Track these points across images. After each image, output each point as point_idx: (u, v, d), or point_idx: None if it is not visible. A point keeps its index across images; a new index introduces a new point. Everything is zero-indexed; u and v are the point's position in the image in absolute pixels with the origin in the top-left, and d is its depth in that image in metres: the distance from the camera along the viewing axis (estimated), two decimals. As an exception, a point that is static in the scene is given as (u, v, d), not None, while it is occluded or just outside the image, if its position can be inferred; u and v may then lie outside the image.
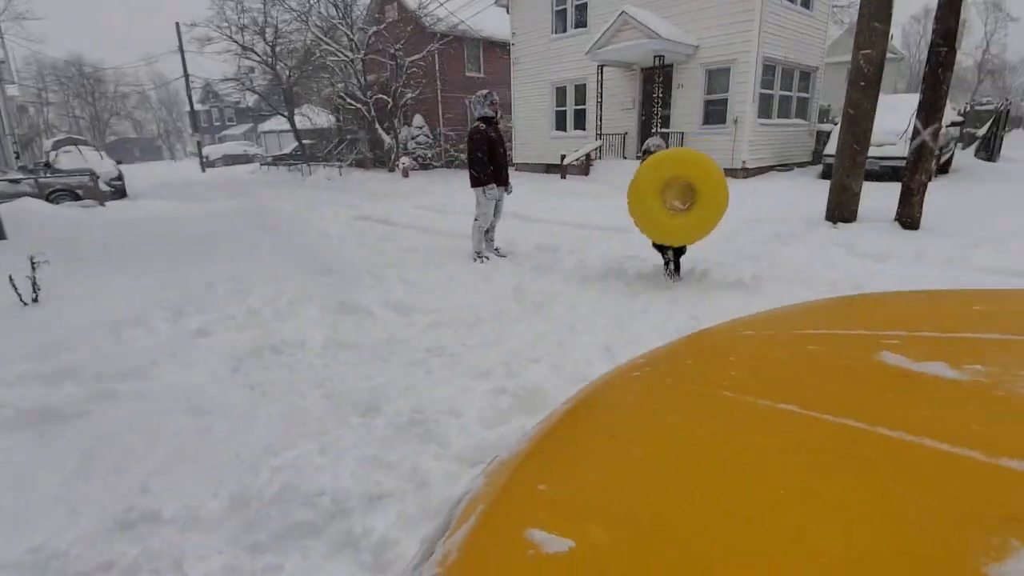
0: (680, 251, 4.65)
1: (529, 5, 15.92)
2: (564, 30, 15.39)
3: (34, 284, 4.11)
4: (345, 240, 7.10)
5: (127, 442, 2.47)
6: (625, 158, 14.18)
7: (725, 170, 12.43)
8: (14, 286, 4.05)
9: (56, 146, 19.81)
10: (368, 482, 1.96)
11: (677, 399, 0.98)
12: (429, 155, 19.95)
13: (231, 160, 31.92)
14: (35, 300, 4.12)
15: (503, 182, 5.72)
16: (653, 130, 12.35)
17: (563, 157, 13.99)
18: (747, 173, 12.29)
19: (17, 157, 20.73)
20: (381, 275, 4.95)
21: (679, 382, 1.07)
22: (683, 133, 13.13)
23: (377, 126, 19.30)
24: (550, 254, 5.76)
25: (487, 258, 5.68)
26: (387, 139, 19.31)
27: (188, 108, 32.25)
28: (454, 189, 12.58)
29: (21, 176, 12.16)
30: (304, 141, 23.21)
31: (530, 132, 16.81)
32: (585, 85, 15.05)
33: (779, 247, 5.72)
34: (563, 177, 13.82)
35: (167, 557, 1.73)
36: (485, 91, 5.61)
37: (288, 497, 1.91)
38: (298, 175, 20.06)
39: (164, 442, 2.44)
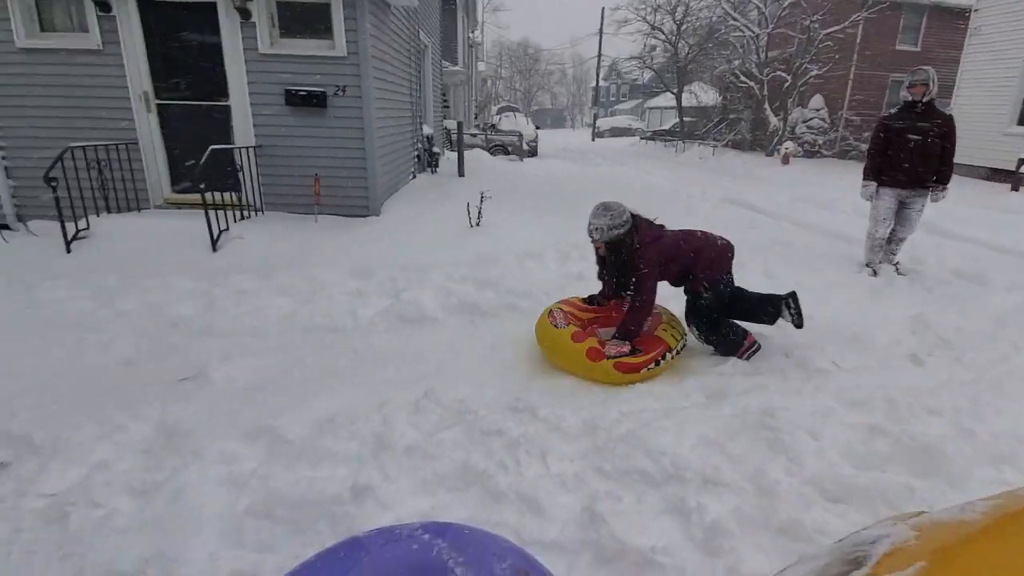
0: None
1: (1028, -48, 11.57)
2: (1083, -19, 10.69)
3: (479, 212, 5.44)
4: (710, 221, 6.93)
5: (519, 346, 3.09)
6: None
7: None
8: (468, 213, 5.45)
9: (500, 111, 25.32)
10: (706, 464, 1.94)
11: None
12: (820, 142, 17.35)
13: (616, 132, 34.76)
14: (478, 224, 5.46)
15: (899, 184, 4.47)
16: None
17: (1021, 162, 10.12)
18: None
19: (476, 117, 27.34)
20: (744, 263, 4.66)
21: None
22: None
23: (766, 105, 17.75)
24: (974, 285, 4.35)
25: (876, 272, 4.67)
26: (774, 120, 17.61)
27: (593, 84, 36.29)
28: (845, 184, 10.66)
29: (477, 132, 16.04)
30: (685, 118, 23.32)
31: (971, 125, 12.66)
32: (1101, 61, 10.29)
33: None
34: (1015, 189, 10.07)
35: (537, 446, 2.12)
36: (919, 67, 4.40)
37: (633, 442, 2.06)
38: (672, 151, 20.43)
39: (543, 355, 2.94)
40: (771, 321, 2.99)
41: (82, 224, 4.90)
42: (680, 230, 2.98)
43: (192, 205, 5.59)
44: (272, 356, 3.12)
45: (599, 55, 33.19)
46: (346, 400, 2.64)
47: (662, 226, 2.96)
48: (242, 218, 5.43)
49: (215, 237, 4.79)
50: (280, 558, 1.74)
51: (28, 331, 3.44)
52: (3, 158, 5.55)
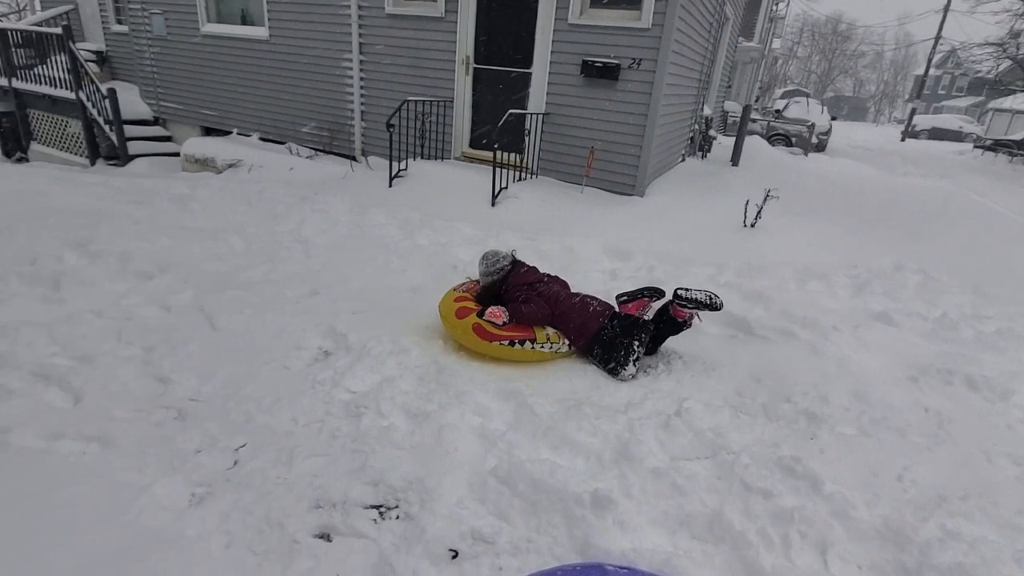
0: None
1: None
2: None
3: (759, 212, 4.72)
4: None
5: (794, 385, 2.53)
6: None
7: None
8: (745, 210, 4.78)
9: (786, 95, 22.03)
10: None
11: None
12: None
13: (938, 134, 27.22)
14: (752, 225, 4.77)
15: None
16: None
17: None
18: None
19: (756, 100, 24.40)
20: None
21: None
22: None
23: None
24: None
25: None
26: None
27: (920, 72, 28.79)
28: None
29: (758, 117, 14.23)
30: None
31: None
32: None
33: None
34: None
35: (816, 531, 1.68)
36: None
37: (968, 585, 1.47)
38: (1014, 168, 15.07)
39: (831, 410, 2.35)
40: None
41: (403, 165, 5.80)
42: (559, 288, 2.99)
43: (482, 161, 6.15)
44: (528, 319, 3.19)
45: (937, 37, 25.97)
46: (584, 386, 2.54)
47: (544, 281, 3.03)
48: (519, 179, 5.75)
49: (495, 193, 5.17)
50: (515, 534, 1.72)
51: (355, 247, 4.22)
52: (362, 104, 6.89)
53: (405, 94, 6.06)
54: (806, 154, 12.26)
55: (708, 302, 2.69)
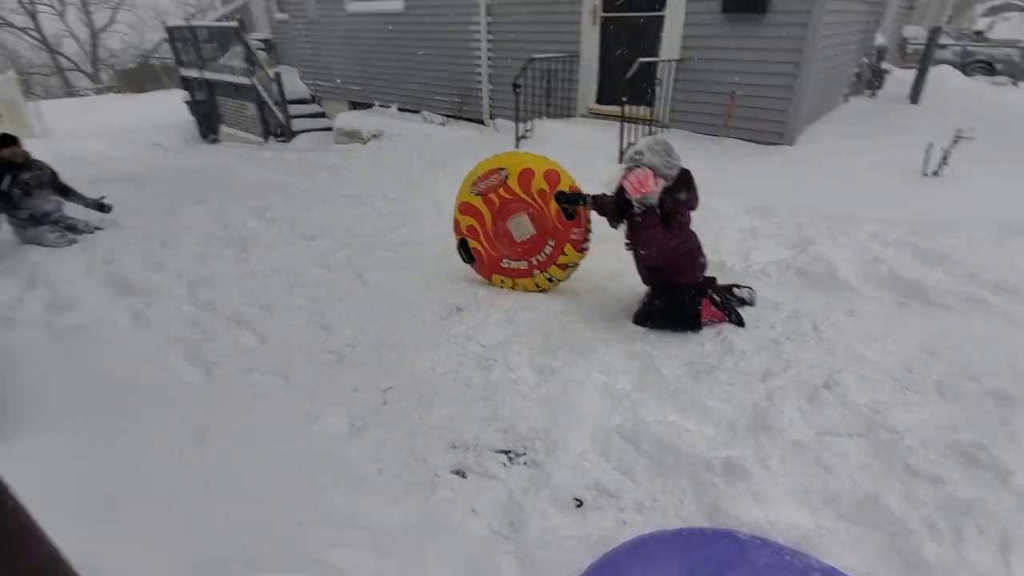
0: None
1: None
2: None
3: (945, 157, 3.94)
4: None
5: (974, 362, 2.14)
6: None
7: None
8: (927, 155, 4.01)
9: (992, 12, 17.63)
10: None
11: None
12: None
13: None
14: (935, 174, 3.99)
15: None
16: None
17: None
18: None
19: (949, 21, 19.94)
20: None
21: None
22: None
23: None
24: None
25: None
26: None
27: None
28: None
29: (950, 42, 11.66)
30: None
31: None
32: None
33: None
34: None
35: (997, 526, 1.43)
36: None
37: None
38: None
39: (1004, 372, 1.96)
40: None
41: (528, 126, 5.81)
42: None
43: (609, 116, 5.91)
44: (656, 280, 3.08)
45: None
46: (717, 349, 2.39)
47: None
48: (649, 133, 5.43)
49: (623, 150, 4.95)
50: (639, 491, 1.73)
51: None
52: (489, 66, 6.96)
53: (531, 53, 5.98)
54: (1015, 83, 9.82)
55: (736, 313, 2.56)
